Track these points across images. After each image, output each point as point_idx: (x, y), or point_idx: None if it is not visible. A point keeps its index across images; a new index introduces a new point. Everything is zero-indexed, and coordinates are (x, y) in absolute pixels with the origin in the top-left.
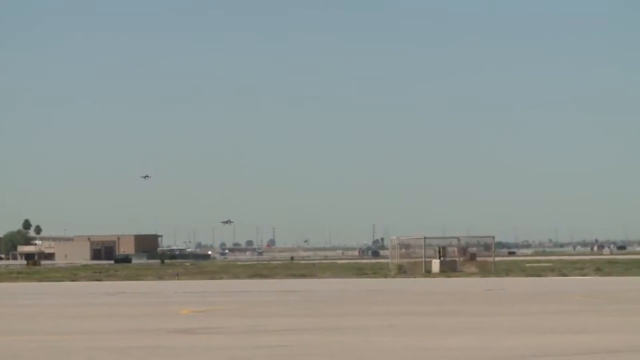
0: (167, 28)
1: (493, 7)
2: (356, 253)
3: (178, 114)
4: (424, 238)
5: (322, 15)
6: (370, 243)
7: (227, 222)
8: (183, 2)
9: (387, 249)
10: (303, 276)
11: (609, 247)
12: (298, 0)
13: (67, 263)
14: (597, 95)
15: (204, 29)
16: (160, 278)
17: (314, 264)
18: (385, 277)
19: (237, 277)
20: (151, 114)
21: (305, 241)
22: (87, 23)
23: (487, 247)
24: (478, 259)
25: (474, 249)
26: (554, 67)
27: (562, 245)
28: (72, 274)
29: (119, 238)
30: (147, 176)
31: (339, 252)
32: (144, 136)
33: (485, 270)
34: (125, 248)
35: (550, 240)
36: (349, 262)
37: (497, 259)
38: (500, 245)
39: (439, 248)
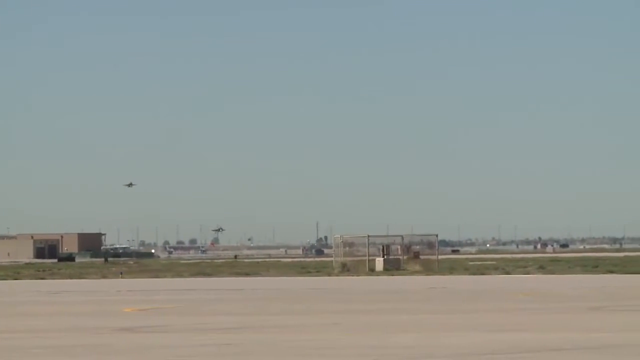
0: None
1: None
2: (300, 251)
3: (120, 110)
4: (368, 236)
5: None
6: (314, 241)
7: (218, 230)
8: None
9: (331, 247)
10: (247, 275)
11: (552, 245)
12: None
13: (10, 261)
14: (539, 95)
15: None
16: (104, 276)
17: (258, 262)
18: (329, 275)
19: (180, 275)
20: (93, 112)
21: (249, 239)
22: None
23: (430, 245)
24: (422, 257)
25: (418, 247)
26: (499, 67)
27: (505, 244)
28: (15, 272)
29: (62, 236)
30: (130, 184)
31: (283, 250)
32: (85, 133)
33: (429, 269)
34: (69, 246)
35: (494, 239)
36: (293, 261)
37: (440, 257)
38: (444, 243)
39: (383, 246)
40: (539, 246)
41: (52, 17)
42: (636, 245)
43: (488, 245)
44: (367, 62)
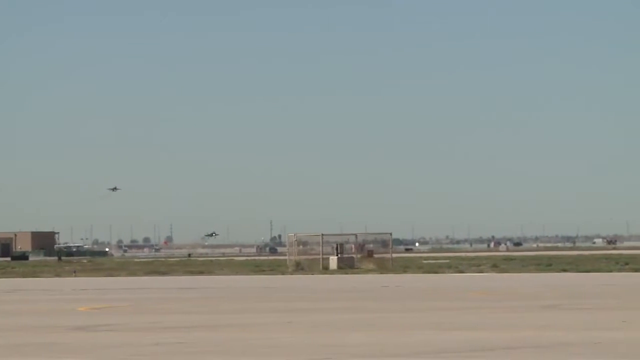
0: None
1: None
2: (254, 250)
3: (72, 107)
4: (322, 235)
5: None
6: (268, 240)
7: (211, 235)
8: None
9: (285, 246)
10: (201, 273)
11: (505, 244)
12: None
13: None
14: (490, 95)
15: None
16: (58, 275)
17: (211, 260)
18: (283, 274)
19: (134, 274)
20: (43, 108)
21: (203, 238)
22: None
23: (384, 243)
24: (375, 255)
25: (372, 245)
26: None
27: (458, 242)
28: None
29: (15, 235)
30: (115, 188)
31: (237, 249)
32: (36, 133)
33: (383, 267)
34: (22, 245)
35: (447, 237)
36: (247, 259)
37: (394, 255)
38: (398, 242)
39: (337, 245)
40: (492, 245)
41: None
42: (589, 244)
43: (417, 244)
44: (320, 61)
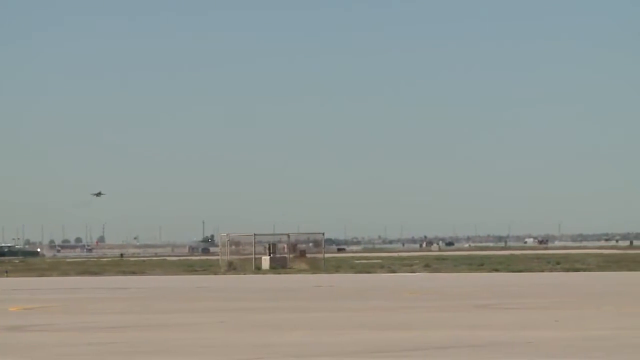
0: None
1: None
2: (186, 250)
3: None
4: (254, 235)
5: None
6: (200, 240)
7: (208, 240)
8: None
9: (218, 245)
10: (133, 273)
11: (437, 244)
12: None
13: None
14: (420, 93)
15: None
16: None
17: (144, 261)
18: (216, 274)
19: (66, 274)
20: None
21: (135, 238)
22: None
23: (316, 243)
24: (308, 255)
25: (304, 245)
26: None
27: (391, 242)
28: None
29: None
30: (99, 193)
31: (169, 249)
32: None
33: (315, 267)
34: None
35: (380, 237)
36: (179, 259)
37: (326, 255)
38: (330, 241)
39: (269, 245)
40: (424, 244)
41: None
42: (521, 244)
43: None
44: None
